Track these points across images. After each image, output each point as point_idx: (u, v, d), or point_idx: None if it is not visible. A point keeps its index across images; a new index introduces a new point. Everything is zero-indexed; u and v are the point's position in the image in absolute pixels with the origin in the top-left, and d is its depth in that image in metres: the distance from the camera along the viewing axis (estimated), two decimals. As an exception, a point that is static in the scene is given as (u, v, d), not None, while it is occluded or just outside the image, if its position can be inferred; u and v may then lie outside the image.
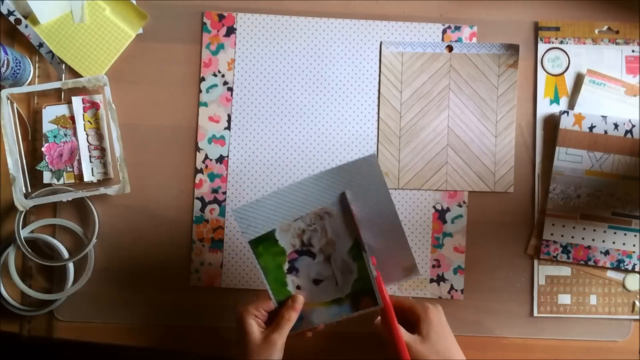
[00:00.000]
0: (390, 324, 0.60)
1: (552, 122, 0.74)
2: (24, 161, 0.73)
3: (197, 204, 0.74)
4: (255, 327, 0.59)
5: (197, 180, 0.74)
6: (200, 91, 0.75)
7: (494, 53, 0.75)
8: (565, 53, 0.75)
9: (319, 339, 0.73)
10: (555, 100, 0.75)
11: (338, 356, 0.74)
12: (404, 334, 0.60)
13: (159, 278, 0.74)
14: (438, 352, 0.60)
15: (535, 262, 0.74)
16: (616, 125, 0.72)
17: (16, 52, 0.72)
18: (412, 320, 0.62)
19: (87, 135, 0.73)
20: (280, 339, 0.59)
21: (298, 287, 0.62)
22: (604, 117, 0.72)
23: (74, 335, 0.74)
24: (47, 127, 0.73)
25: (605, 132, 0.73)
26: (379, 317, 0.63)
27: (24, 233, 0.72)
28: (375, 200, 0.60)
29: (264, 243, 0.60)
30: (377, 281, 0.61)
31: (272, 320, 0.61)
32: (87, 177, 0.73)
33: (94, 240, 0.73)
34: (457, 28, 0.75)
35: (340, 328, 0.73)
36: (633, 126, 0.72)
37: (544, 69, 0.75)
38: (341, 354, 0.74)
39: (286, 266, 0.61)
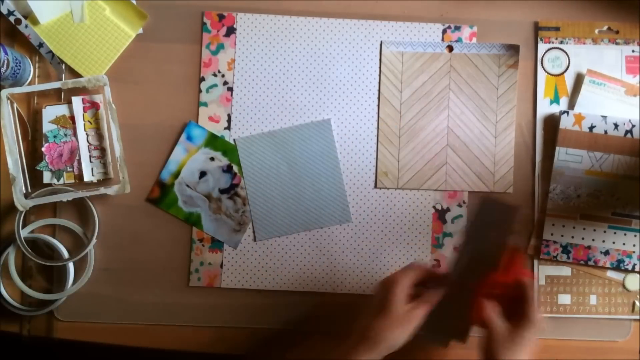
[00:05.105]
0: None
1: (552, 122, 0.74)
2: (24, 161, 0.73)
3: (197, 204, 0.74)
4: (402, 300, 0.58)
5: (197, 180, 0.74)
6: (200, 91, 0.75)
7: (494, 53, 0.75)
8: (565, 53, 0.75)
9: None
10: (555, 100, 0.75)
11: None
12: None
13: (159, 278, 0.74)
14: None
15: (535, 262, 0.74)
16: (616, 125, 0.72)
17: (16, 52, 0.72)
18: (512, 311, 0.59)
19: (87, 135, 0.73)
20: (423, 315, 0.58)
21: None
22: (604, 117, 0.72)
23: (74, 335, 0.74)
24: (47, 127, 0.73)
25: (605, 132, 0.73)
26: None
27: (24, 233, 0.72)
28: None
29: None
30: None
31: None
32: (87, 177, 0.73)
33: (94, 240, 0.73)
34: (457, 28, 0.75)
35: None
36: (633, 126, 0.72)
37: (544, 69, 0.75)
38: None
39: None
